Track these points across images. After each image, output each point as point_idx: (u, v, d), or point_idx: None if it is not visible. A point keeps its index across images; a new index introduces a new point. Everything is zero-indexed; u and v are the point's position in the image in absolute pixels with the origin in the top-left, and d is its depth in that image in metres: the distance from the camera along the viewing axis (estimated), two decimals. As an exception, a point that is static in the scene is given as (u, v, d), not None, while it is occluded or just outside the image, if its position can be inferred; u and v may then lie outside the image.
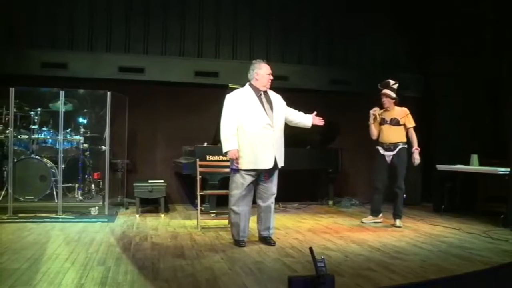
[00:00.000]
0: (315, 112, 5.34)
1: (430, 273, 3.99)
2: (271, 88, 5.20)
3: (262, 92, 5.07)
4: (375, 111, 6.53)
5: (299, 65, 9.04)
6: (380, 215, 6.59)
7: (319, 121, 5.35)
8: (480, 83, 8.25)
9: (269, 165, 4.96)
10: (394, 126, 6.42)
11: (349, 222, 6.76)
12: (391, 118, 6.45)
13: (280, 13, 9.00)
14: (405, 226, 6.35)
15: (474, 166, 7.25)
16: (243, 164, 4.94)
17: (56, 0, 8.03)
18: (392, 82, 6.51)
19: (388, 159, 6.42)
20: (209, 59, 8.66)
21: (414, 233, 5.87)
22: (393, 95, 6.47)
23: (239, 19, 8.84)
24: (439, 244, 5.20)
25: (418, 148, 6.42)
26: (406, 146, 6.45)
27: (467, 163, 7.38)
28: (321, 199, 8.77)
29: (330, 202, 8.50)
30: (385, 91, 6.47)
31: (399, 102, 6.55)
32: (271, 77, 5.10)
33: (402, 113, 6.47)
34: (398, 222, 6.36)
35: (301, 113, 5.36)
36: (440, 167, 7.65)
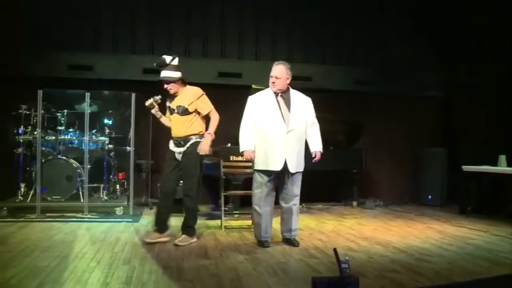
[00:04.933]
0: (318, 158, 5.13)
1: (456, 276, 3.93)
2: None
3: (280, 94, 5.06)
4: (151, 101, 5.22)
5: (322, 65, 9.00)
6: (167, 232, 5.20)
7: (316, 158, 5.15)
8: (508, 82, 8.10)
9: (278, 167, 4.94)
10: (182, 116, 5.08)
11: (373, 223, 6.70)
12: (177, 106, 5.09)
13: (304, 13, 8.97)
14: (430, 228, 6.27)
15: (502, 167, 7.11)
16: (256, 165, 5.03)
17: (82, 3, 8.16)
18: (168, 58, 5.04)
19: (178, 156, 5.11)
20: (233, 60, 8.69)
21: (440, 235, 5.78)
22: (175, 74, 5.05)
23: (262, 20, 8.85)
24: (465, 246, 5.12)
25: (210, 132, 5.08)
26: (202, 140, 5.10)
27: (494, 163, 7.24)
28: (345, 200, 8.71)
29: (354, 203, 8.43)
30: (163, 74, 5.04)
31: (186, 82, 5.24)
32: (273, 80, 5.00)
33: (191, 96, 5.11)
34: (181, 238, 5.08)
35: (315, 137, 5.18)
36: (466, 168, 7.51)
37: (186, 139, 5.07)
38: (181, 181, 5.29)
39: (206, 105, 5.14)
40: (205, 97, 5.17)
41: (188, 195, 5.10)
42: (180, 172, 5.14)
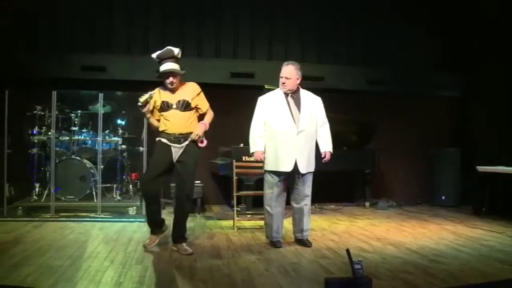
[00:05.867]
0: (327, 158, 5.12)
1: (470, 278, 3.90)
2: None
3: (290, 94, 5.06)
4: (147, 97, 4.70)
5: (335, 65, 8.97)
6: (163, 228, 5.01)
7: (326, 158, 5.13)
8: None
9: (288, 168, 4.93)
10: (184, 111, 4.70)
11: (386, 224, 6.66)
12: (178, 101, 4.69)
13: (316, 13, 8.95)
14: (444, 229, 6.22)
15: (517, 168, 7.02)
16: (267, 165, 5.05)
17: (95, 4, 8.23)
18: (176, 49, 4.68)
19: (176, 154, 4.70)
20: (245, 60, 8.70)
21: (453, 236, 5.73)
22: (179, 67, 4.71)
23: (274, 20, 8.85)
24: (479, 248, 5.07)
25: (204, 123, 4.80)
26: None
27: (509, 164, 7.15)
28: (358, 200, 8.68)
29: (367, 204, 8.40)
30: (168, 66, 4.65)
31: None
32: (283, 80, 5.01)
33: (192, 91, 4.78)
34: (184, 248, 4.69)
35: (325, 137, 5.16)
36: (481, 168, 7.43)
37: (186, 136, 4.68)
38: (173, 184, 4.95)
39: (205, 102, 4.86)
40: (203, 94, 4.85)
41: (190, 198, 4.80)
42: (168, 175, 4.81)
